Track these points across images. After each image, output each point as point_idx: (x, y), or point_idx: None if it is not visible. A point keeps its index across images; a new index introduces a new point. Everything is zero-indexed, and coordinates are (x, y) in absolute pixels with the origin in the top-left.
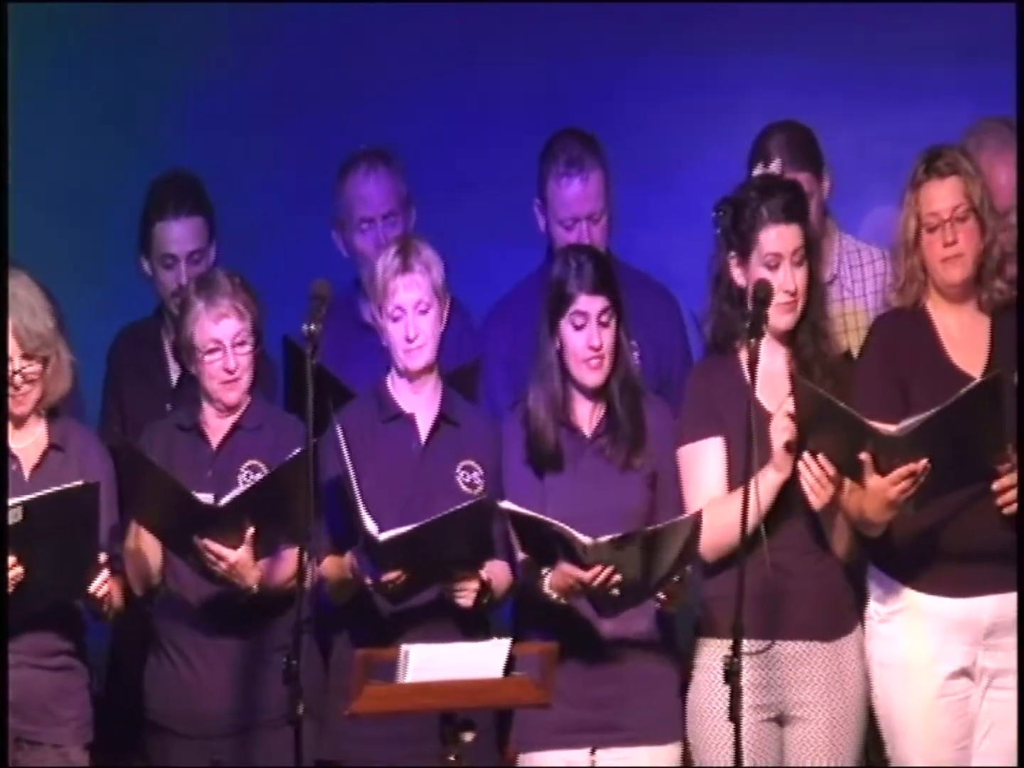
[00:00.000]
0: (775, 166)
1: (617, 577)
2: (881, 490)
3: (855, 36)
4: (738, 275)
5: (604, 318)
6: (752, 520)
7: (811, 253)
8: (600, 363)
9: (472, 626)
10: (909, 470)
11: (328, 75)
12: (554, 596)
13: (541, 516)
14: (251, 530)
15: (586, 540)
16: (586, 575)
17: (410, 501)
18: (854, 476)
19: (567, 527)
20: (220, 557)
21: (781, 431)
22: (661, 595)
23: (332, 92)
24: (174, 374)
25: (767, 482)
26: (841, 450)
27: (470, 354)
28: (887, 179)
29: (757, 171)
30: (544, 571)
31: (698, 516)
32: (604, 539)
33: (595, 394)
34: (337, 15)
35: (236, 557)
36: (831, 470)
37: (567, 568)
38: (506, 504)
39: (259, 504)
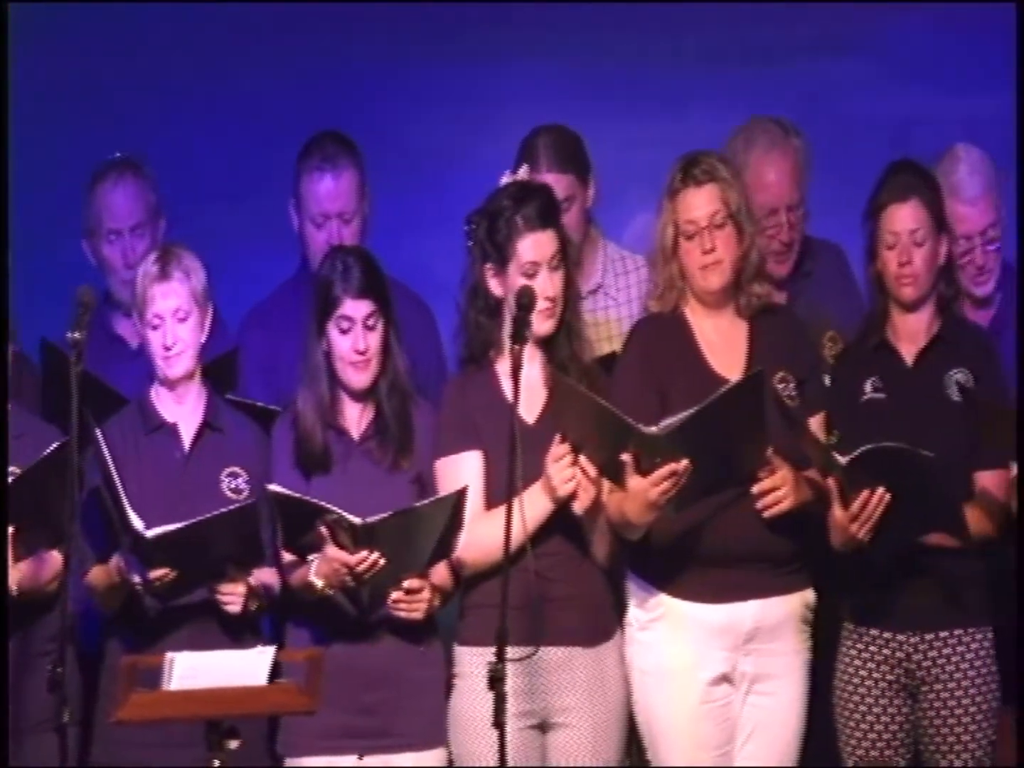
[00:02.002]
0: (523, 172)
1: (382, 562)
2: (642, 491)
3: (617, 42)
4: (495, 285)
5: (370, 321)
6: (518, 540)
7: (566, 256)
8: (367, 366)
9: (241, 631)
10: (670, 470)
11: (84, 81)
12: (319, 585)
13: (310, 499)
14: (11, 529)
15: (356, 520)
16: (352, 559)
17: (175, 509)
18: (615, 477)
19: (338, 508)
20: None
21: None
22: (400, 604)
23: (88, 98)
24: None
25: (537, 508)
26: (602, 450)
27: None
28: (649, 186)
29: (506, 179)
30: (310, 558)
31: (462, 492)
32: (375, 518)
33: (363, 396)
34: (91, 21)
35: None
36: (592, 471)
37: (333, 553)
38: (274, 487)
39: (17, 503)
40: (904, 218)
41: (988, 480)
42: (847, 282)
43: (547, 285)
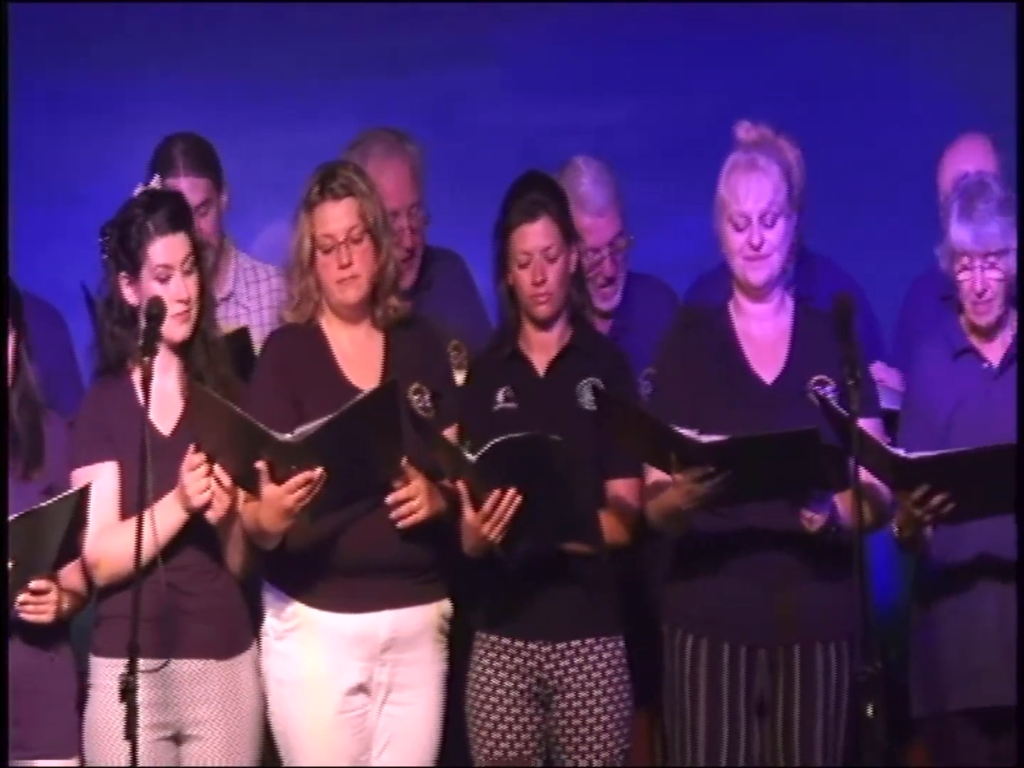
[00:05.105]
0: (155, 182)
1: (10, 564)
2: (277, 499)
3: (245, 52)
4: (130, 294)
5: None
6: (150, 550)
7: (200, 260)
8: None
9: None
10: (305, 478)
11: None
12: None
13: None
14: None
15: None
16: None
17: None
18: (250, 486)
19: None
20: None
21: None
22: (27, 606)
23: None
24: None
25: (170, 518)
26: (237, 459)
27: None
28: (276, 196)
29: (138, 190)
30: None
31: (85, 490)
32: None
33: None
34: None
35: None
36: (227, 481)
37: None
38: None
39: None
40: (536, 236)
41: (622, 486)
42: (467, 290)
43: (180, 289)
